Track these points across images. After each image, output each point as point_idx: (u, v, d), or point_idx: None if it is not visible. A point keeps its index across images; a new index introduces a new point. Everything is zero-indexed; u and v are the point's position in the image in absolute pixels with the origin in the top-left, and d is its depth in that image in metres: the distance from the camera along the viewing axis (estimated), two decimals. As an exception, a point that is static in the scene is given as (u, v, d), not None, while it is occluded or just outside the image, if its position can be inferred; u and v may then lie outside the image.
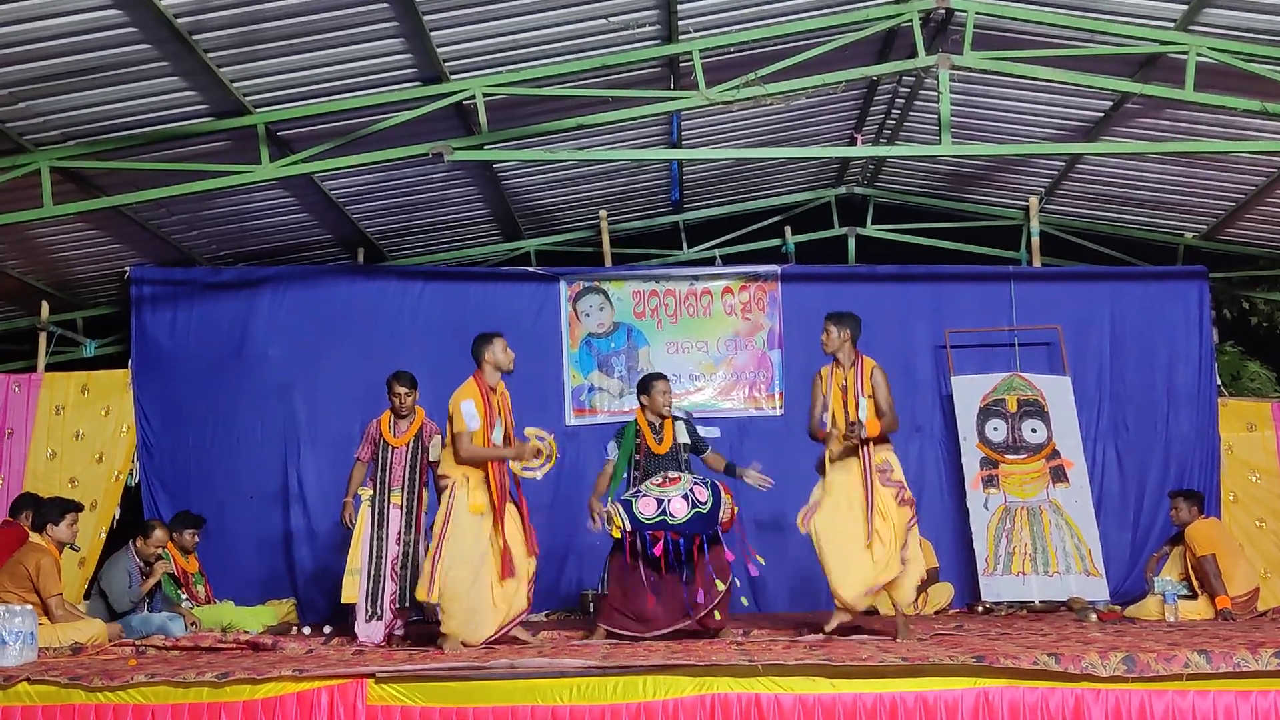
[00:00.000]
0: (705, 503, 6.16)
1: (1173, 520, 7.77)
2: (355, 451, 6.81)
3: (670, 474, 6.37)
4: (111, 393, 8.92)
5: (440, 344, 9.25)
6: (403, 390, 6.67)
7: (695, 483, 6.27)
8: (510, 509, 6.04)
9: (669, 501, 6.10)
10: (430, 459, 6.56)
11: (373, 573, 6.38)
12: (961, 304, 9.54)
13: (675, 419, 6.81)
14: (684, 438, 6.73)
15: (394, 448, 6.56)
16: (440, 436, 6.36)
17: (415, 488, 6.52)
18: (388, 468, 6.53)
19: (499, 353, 6.12)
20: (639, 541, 6.09)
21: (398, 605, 6.40)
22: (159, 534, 7.39)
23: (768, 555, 9.16)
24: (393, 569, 6.40)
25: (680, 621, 6.18)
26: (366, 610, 6.35)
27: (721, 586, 6.21)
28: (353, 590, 6.35)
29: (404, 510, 6.48)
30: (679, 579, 6.17)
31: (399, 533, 6.45)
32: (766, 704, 4.41)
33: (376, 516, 6.46)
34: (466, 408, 5.90)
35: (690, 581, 6.16)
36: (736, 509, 6.44)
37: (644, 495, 6.19)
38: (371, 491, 6.52)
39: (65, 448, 8.67)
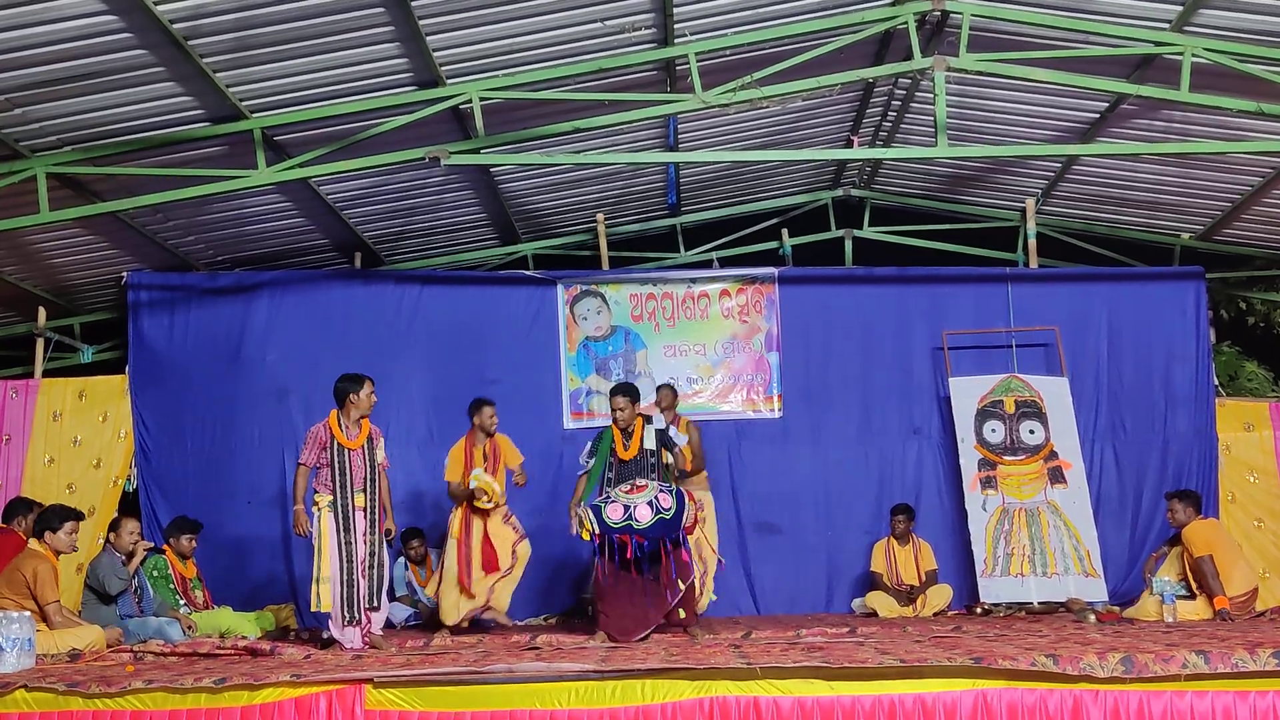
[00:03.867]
0: (669, 509, 6.51)
1: (1170, 522, 7.77)
2: (300, 457, 6.57)
3: (638, 481, 6.72)
4: (109, 398, 8.90)
5: (438, 348, 9.27)
6: (373, 389, 6.62)
7: (661, 490, 6.61)
8: (495, 530, 7.33)
9: (635, 508, 6.47)
10: (378, 461, 6.56)
11: (345, 578, 6.31)
12: (959, 306, 9.55)
13: (646, 423, 7.17)
14: (651, 443, 7.07)
15: (350, 450, 6.45)
16: (385, 440, 6.76)
17: (376, 489, 6.48)
18: (347, 471, 6.41)
19: (485, 419, 7.47)
20: (609, 545, 6.49)
21: (368, 605, 6.36)
22: (129, 525, 7.39)
23: (765, 558, 9.26)
24: (363, 568, 6.35)
25: (657, 619, 6.63)
26: (344, 616, 6.29)
27: (683, 585, 6.64)
28: (327, 598, 6.31)
29: (366, 511, 6.43)
30: (651, 580, 6.57)
31: (364, 532, 6.40)
32: (765, 707, 4.41)
33: (341, 521, 6.36)
34: (446, 462, 7.44)
35: (658, 581, 6.59)
36: (701, 514, 6.94)
37: (612, 501, 6.56)
38: (330, 496, 6.40)
39: (63, 454, 8.64)
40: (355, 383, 6.57)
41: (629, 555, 6.45)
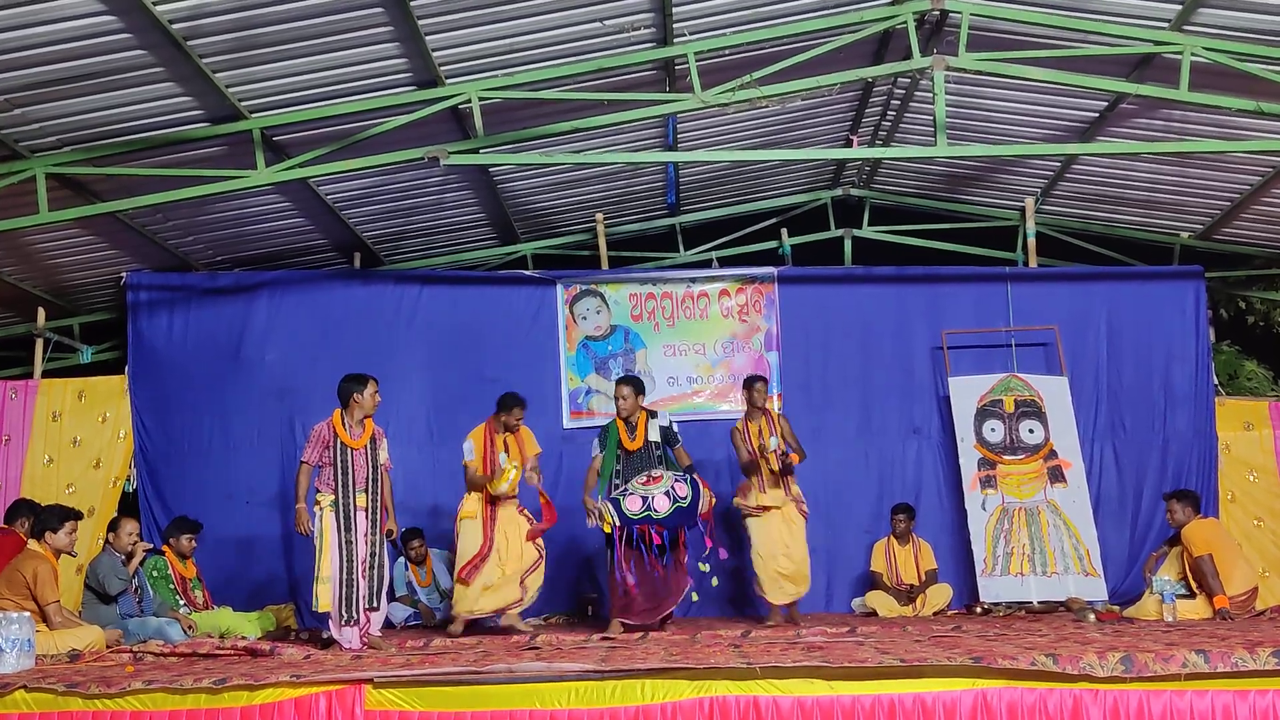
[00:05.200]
0: (685, 497, 6.79)
1: (1169, 522, 7.76)
2: (302, 455, 6.56)
3: (654, 473, 6.93)
4: (109, 399, 8.90)
5: (437, 348, 9.26)
6: (377, 389, 6.61)
7: (676, 479, 6.84)
8: (510, 517, 7.28)
9: (653, 499, 6.73)
10: (380, 461, 6.54)
11: (345, 578, 6.29)
12: (958, 305, 9.55)
13: (650, 417, 7.34)
14: (655, 435, 7.25)
15: (353, 450, 6.44)
16: (387, 440, 6.74)
17: (378, 488, 6.47)
18: (349, 471, 6.39)
19: (514, 420, 7.38)
20: (628, 535, 6.72)
21: (368, 605, 6.34)
22: (128, 525, 7.41)
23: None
24: (363, 568, 6.34)
25: (672, 603, 6.92)
26: (342, 616, 6.27)
27: (704, 567, 7.03)
28: (326, 598, 6.29)
29: (368, 511, 6.41)
30: (666, 565, 6.84)
31: (366, 533, 6.39)
32: (765, 706, 4.41)
33: (342, 520, 6.34)
34: (466, 445, 7.33)
35: (673, 566, 6.88)
36: (714, 500, 7.16)
37: (630, 494, 6.78)
38: (332, 496, 6.38)
39: (62, 454, 8.65)
40: (359, 382, 6.57)
41: (650, 545, 6.68)
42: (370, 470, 6.47)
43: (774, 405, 8.86)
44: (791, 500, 7.67)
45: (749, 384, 7.88)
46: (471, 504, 7.30)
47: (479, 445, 7.30)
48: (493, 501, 7.27)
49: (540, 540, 7.39)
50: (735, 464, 8.99)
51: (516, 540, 7.27)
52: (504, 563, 7.20)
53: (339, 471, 6.40)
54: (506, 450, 7.27)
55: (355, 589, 6.31)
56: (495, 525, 7.24)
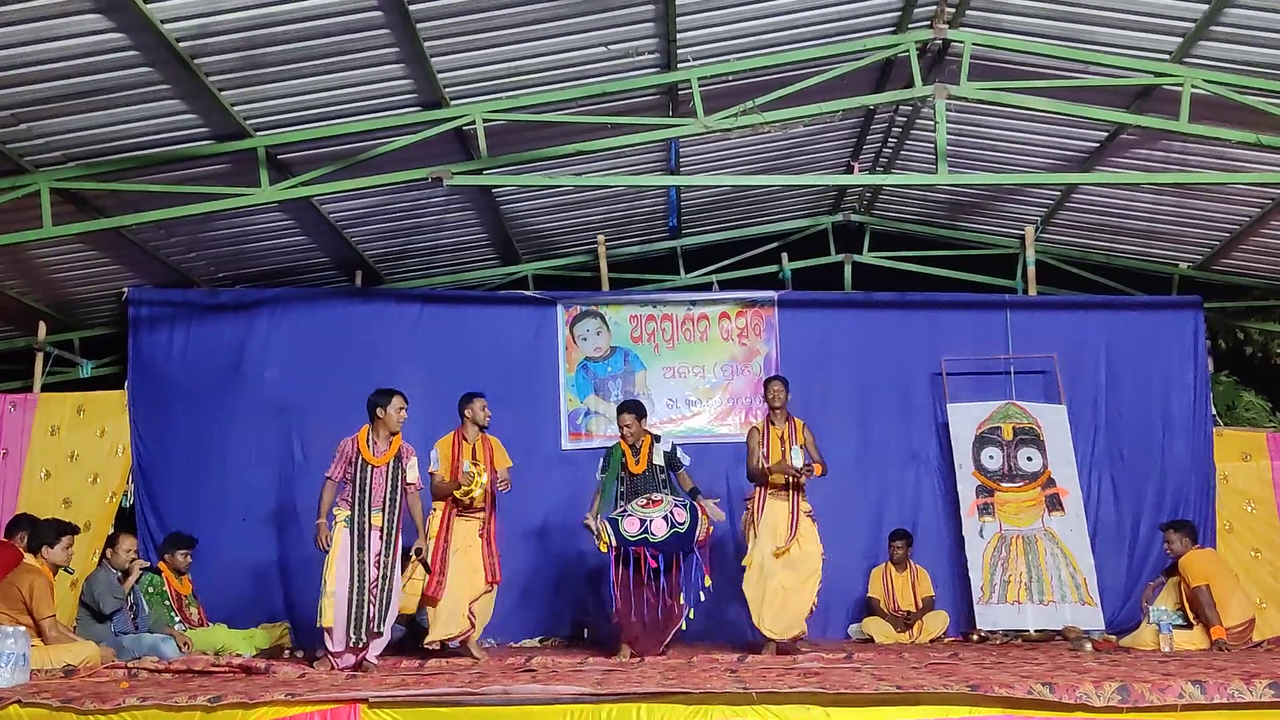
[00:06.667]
0: (683, 523, 6.77)
1: (1167, 552, 7.76)
2: (326, 471, 6.49)
3: (654, 496, 6.92)
4: (107, 414, 8.89)
5: (437, 367, 9.26)
6: (404, 405, 6.53)
7: (676, 504, 6.84)
8: (468, 536, 7.01)
9: (651, 522, 6.73)
10: (407, 480, 6.46)
11: (354, 597, 6.14)
12: (957, 332, 9.56)
13: (655, 440, 7.29)
14: (659, 459, 7.21)
15: (374, 467, 6.34)
16: (417, 459, 6.61)
17: (395, 509, 6.34)
18: (368, 489, 6.29)
19: (477, 411, 7.16)
20: (624, 557, 6.73)
21: (373, 628, 6.20)
22: (127, 541, 7.42)
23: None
24: (372, 592, 6.20)
25: (673, 630, 6.90)
26: (349, 636, 6.12)
27: (701, 596, 6.93)
28: (330, 614, 6.14)
29: (383, 532, 6.29)
30: (660, 590, 6.83)
31: (378, 554, 6.26)
32: (760, 732, 4.40)
33: (355, 538, 6.22)
34: (431, 454, 7.07)
35: (668, 592, 6.85)
36: (711, 528, 7.07)
37: (629, 515, 6.79)
38: (348, 512, 6.28)
39: (60, 468, 8.62)
40: (384, 397, 6.49)
41: (645, 567, 6.67)
42: (389, 489, 6.33)
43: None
44: (803, 514, 7.34)
45: (767, 384, 7.62)
46: (433, 522, 6.97)
47: (444, 454, 7.04)
48: (455, 516, 7.00)
49: (497, 567, 7.06)
50: (737, 491, 9.00)
51: (467, 569, 6.96)
52: (453, 590, 6.92)
53: (357, 489, 6.30)
54: (474, 459, 7.01)
55: (363, 611, 6.14)
56: (450, 547, 6.95)
